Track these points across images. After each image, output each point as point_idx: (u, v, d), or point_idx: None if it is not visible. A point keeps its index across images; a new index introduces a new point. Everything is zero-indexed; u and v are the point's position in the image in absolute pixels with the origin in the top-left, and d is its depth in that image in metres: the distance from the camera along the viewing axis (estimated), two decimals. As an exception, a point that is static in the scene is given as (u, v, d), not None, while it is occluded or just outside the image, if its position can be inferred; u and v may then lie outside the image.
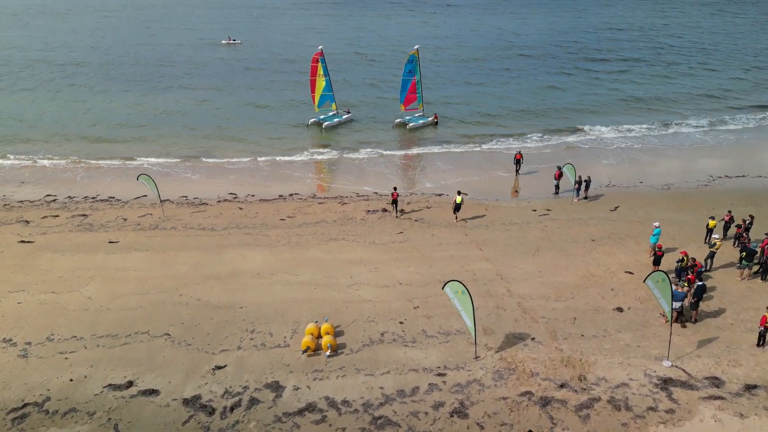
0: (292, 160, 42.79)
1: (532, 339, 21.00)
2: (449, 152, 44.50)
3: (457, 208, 31.16)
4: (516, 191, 37.04)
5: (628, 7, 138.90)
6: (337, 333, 21.24)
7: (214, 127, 50.02)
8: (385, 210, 33.55)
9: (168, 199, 35.18)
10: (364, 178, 39.49)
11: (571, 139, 46.95)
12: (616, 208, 33.68)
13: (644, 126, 49.87)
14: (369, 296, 23.96)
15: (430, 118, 51.96)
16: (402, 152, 44.85)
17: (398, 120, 51.64)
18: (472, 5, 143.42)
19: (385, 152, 44.77)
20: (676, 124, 50.69)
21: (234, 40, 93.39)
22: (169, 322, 22.16)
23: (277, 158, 43.08)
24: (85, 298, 23.85)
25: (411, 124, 50.57)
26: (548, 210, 33.58)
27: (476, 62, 76.06)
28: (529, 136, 47.68)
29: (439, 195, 36.29)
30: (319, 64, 50.64)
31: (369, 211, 33.58)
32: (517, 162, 38.08)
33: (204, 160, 42.93)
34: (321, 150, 45.24)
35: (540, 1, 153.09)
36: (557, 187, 36.02)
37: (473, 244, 29.11)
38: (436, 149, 45.34)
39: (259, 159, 42.95)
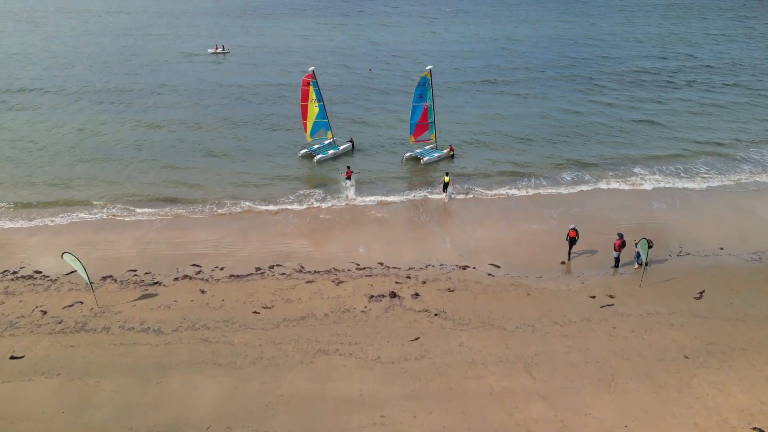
0: (275, 209, 34.37)
1: None
2: (468, 200, 36.03)
3: (445, 187, 34.89)
4: (563, 262, 28.45)
5: (642, 11, 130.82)
6: None
7: (182, 162, 41.51)
8: (394, 294, 25.20)
9: (110, 276, 26.91)
10: (367, 238, 31.11)
11: (614, 182, 38.35)
12: (701, 294, 25.28)
13: (703, 165, 41.15)
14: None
15: (444, 151, 43.62)
16: (411, 197, 36.30)
17: (408, 154, 43.28)
18: (474, 12, 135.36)
19: (390, 198, 36.34)
20: (749, 165, 41.56)
21: (223, 49, 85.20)
22: None
23: (258, 207, 34.66)
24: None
25: (425, 159, 42.17)
26: (611, 297, 25.19)
27: (483, 77, 67.55)
28: (560, 175, 39.17)
29: (464, 268, 27.85)
30: (311, 88, 42.37)
31: (372, 297, 25.21)
32: (572, 241, 28.11)
33: (167, 209, 34.51)
34: (312, 191, 36.92)
35: (547, 8, 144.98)
36: (617, 260, 27.65)
37: (519, 363, 20.73)
38: (448, 192, 36.91)
39: (235, 208, 34.53)
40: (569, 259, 28.02)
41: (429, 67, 41.73)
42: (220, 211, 34.13)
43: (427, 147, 44.28)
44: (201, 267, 28.06)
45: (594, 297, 25.19)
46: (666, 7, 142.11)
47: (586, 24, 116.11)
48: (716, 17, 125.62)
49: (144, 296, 25.30)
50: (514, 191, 36.94)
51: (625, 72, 68.66)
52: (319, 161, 42.50)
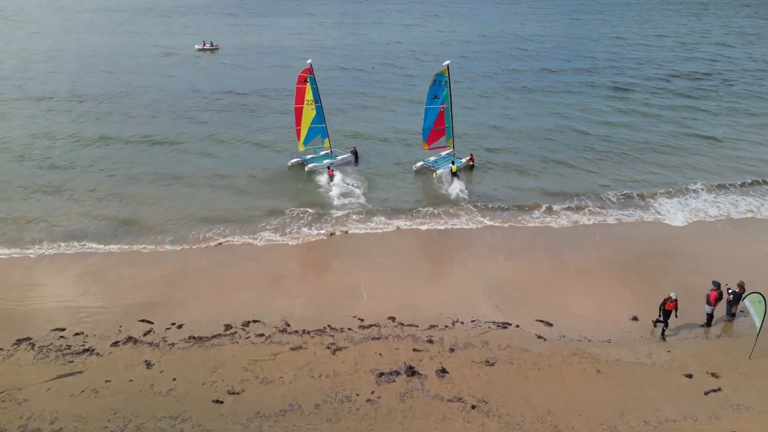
0: (254, 241, 27.22)
1: None
2: (499, 227, 28.88)
3: (455, 175, 32.48)
4: (654, 324, 21.16)
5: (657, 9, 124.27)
6: None
7: (144, 181, 34.08)
8: (412, 371, 18.16)
9: (27, 339, 19.89)
10: (372, 279, 24.11)
11: (676, 207, 31.09)
12: (841, 372, 18.18)
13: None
14: None
15: (464, 160, 36.63)
16: (425, 226, 29.11)
17: (420, 163, 36.29)
18: (481, 3, 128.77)
19: (398, 221, 29.31)
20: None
21: (211, 45, 78.30)
22: None
23: (232, 238, 27.49)
24: None
25: (440, 171, 35.11)
26: (715, 376, 18.13)
27: (496, 79, 60.65)
28: (606, 198, 31.71)
29: (504, 326, 20.81)
30: (308, 86, 35.35)
31: (382, 374, 18.16)
32: (667, 314, 19.85)
33: (119, 241, 27.38)
34: (301, 213, 29.93)
35: (555, 3, 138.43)
36: (710, 317, 20.59)
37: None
38: (473, 216, 29.81)
39: (204, 240, 27.41)
40: (663, 338, 20.41)
41: (446, 62, 34.64)
42: (184, 245, 26.84)
43: (443, 154, 37.29)
44: (153, 324, 21.00)
45: (691, 376, 18.11)
46: (680, 4, 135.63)
47: (599, 21, 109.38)
48: (734, 14, 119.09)
49: (66, 374, 18.21)
50: (554, 218, 29.72)
51: (655, 75, 61.50)
52: (311, 171, 35.51)
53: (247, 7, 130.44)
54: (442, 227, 28.78)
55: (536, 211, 30.26)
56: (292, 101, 35.62)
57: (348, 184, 33.65)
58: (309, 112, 36.32)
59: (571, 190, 32.59)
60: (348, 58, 69.81)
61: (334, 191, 32.80)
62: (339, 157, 37.53)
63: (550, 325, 20.78)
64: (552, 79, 58.94)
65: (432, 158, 36.81)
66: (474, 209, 30.31)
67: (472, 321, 21.06)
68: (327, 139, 38.11)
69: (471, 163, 36.54)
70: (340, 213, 29.84)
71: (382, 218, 29.42)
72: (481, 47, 77.72)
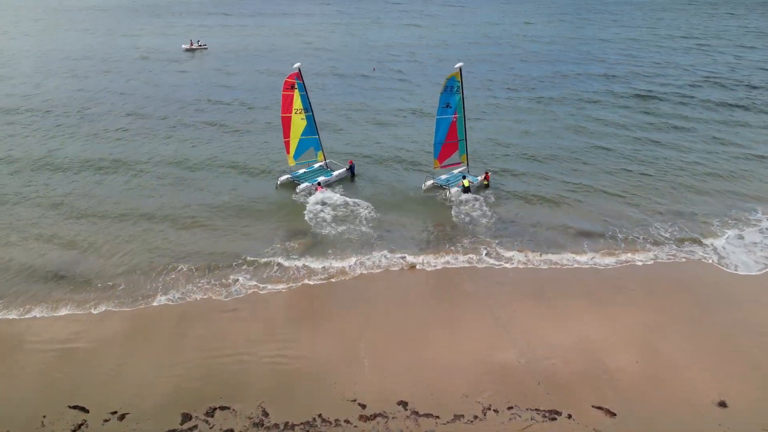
0: (227, 290, 21.80)
1: None
2: (523, 269, 23.54)
3: (466, 190, 29.33)
4: None
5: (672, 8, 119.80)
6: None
7: (91, 217, 27.52)
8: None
9: None
10: (373, 338, 19.04)
11: (727, 242, 25.78)
12: None
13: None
14: None
15: (479, 178, 31.55)
16: (439, 262, 23.86)
17: (431, 182, 31.28)
18: (484, 1, 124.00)
19: (402, 258, 24.08)
20: None
21: (198, 45, 73.23)
22: None
23: (199, 287, 21.91)
24: None
25: (453, 190, 30.11)
26: None
27: (506, 85, 55.70)
28: (654, 231, 26.27)
29: (552, 416, 15.72)
30: (296, 93, 30.28)
31: (393, 501, 12.93)
32: None
33: (45, 297, 21.95)
34: (288, 249, 24.53)
35: (559, 3, 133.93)
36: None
37: None
38: (496, 251, 24.64)
39: (160, 293, 21.81)
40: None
41: (458, 65, 29.56)
42: (138, 303, 21.13)
43: (455, 171, 32.27)
44: (87, 413, 15.82)
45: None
46: (690, 4, 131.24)
47: (608, 21, 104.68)
48: (747, 13, 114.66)
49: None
50: (594, 256, 24.25)
51: (677, 81, 56.49)
52: (303, 192, 30.41)
53: (240, 6, 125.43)
54: (460, 264, 23.62)
55: (571, 247, 24.97)
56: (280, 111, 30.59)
57: (344, 207, 28.55)
58: (298, 122, 31.28)
59: (609, 221, 27.29)
60: (345, 62, 64.68)
61: (328, 215, 27.70)
62: (335, 173, 32.54)
63: (613, 414, 15.69)
64: (566, 86, 53.73)
65: (444, 176, 31.77)
66: (495, 242, 25.14)
67: (510, 408, 15.94)
68: (321, 151, 33.13)
69: (486, 182, 31.44)
70: (334, 248, 24.60)
71: (386, 252, 24.24)
72: (486, 49, 72.78)
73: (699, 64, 63.78)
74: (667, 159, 35.53)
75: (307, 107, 31.24)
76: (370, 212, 28.02)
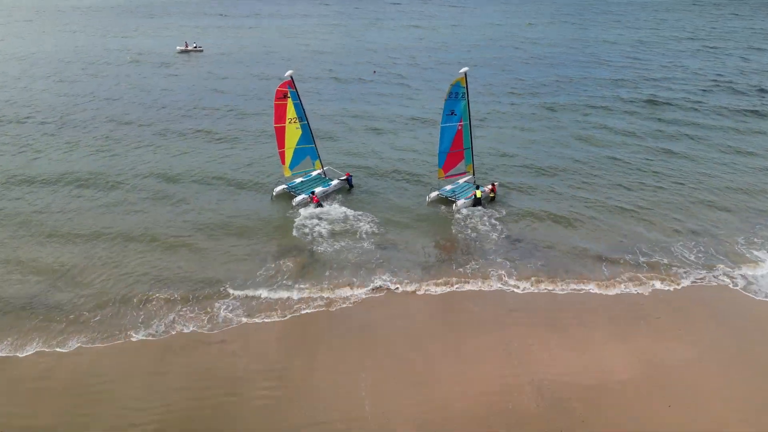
0: (211, 322, 19.87)
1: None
2: (541, 295, 21.56)
3: (477, 202, 27.70)
4: None
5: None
6: None
7: (63, 235, 25.32)
8: None
9: None
10: (377, 380, 17.13)
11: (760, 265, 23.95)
12: None
13: None
14: None
15: (486, 189, 29.67)
16: (446, 286, 21.90)
17: (435, 193, 29.40)
18: (485, 2, 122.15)
19: (405, 281, 22.10)
20: None
21: (194, 47, 71.34)
22: None
23: (179, 317, 19.98)
24: None
25: (460, 202, 28.30)
26: None
27: (502, 87, 53.85)
28: (670, 249, 24.38)
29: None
30: (289, 102, 28.49)
31: None
32: None
33: None
34: (278, 274, 22.49)
35: (559, 3, 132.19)
36: None
37: None
38: (509, 274, 22.73)
39: (135, 329, 19.84)
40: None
41: (463, 69, 27.70)
42: (112, 339, 19.01)
43: (461, 181, 30.50)
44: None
45: None
46: (694, 4, 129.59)
47: (612, 22, 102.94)
48: (753, 14, 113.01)
49: None
50: (616, 281, 22.13)
51: (687, 87, 54.76)
52: (299, 205, 28.57)
53: (237, 7, 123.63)
54: (468, 288, 21.70)
55: (588, 270, 22.93)
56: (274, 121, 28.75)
57: (342, 222, 26.72)
58: (293, 132, 29.44)
59: (626, 241, 25.15)
60: (343, 65, 62.79)
61: (325, 230, 25.86)
62: (333, 182, 30.72)
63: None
64: (571, 91, 51.83)
65: (449, 187, 29.95)
66: (505, 263, 23.19)
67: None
68: (318, 160, 31.29)
69: (492, 194, 29.58)
70: (331, 269, 22.68)
71: (387, 275, 22.30)
72: (486, 52, 70.93)
73: (707, 67, 62.08)
74: (682, 171, 33.48)
75: (302, 116, 29.41)
76: (370, 227, 26.18)
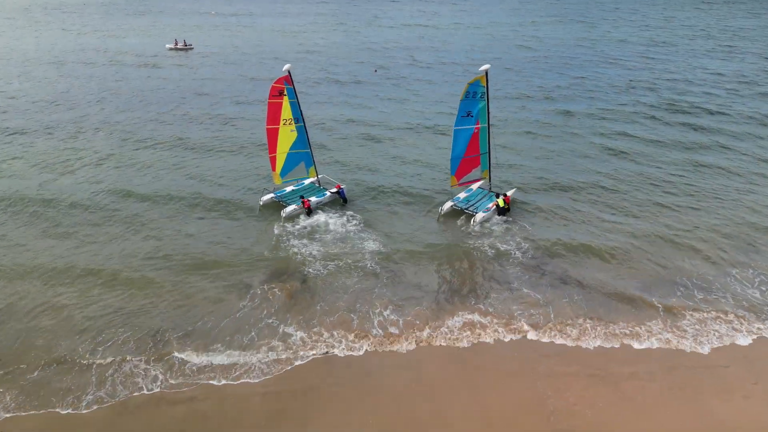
0: (186, 376, 16.04)
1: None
2: (571, 340, 17.64)
3: (502, 212, 24.57)
4: None
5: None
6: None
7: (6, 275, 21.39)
8: None
9: None
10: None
11: None
12: None
13: None
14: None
15: (500, 198, 25.85)
16: (459, 328, 17.99)
17: (450, 204, 25.76)
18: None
19: (415, 327, 18.31)
20: None
21: (184, 45, 67.69)
22: None
23: (150, 366, 16.31)
24: None
25: (479, 216, 24.58)
26: None
27: (512, 90, 50.08)
28: (737, 290, 20.09)
29: None
30: (285, 100, 24.95)
31: None
32: None
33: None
34: (268, 303, 18.96)
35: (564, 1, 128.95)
36: None
37: None
38: (534, 312, 19.05)
39: (57, 397, 16.12)
40: None
41: (484, 67, 24.06)
42: (51, 407, 15.30)
43: (474, 187, 26.90)
44: None
45: None
46: (703, 2, 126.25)
47: (620, 20, 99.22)
48: (766, 11, 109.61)
49: None
50: (673, 326, 18.15)
51: (710, 90, 50.81)
52: (290, 217, 24.96)
53: (231, 4, 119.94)
54: (493, 329, 17.89)
55: (637, 310, 18.89)
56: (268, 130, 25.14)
57: (338, 240, 23.10)
58: (287, 135, 25.84)
59: (674, 275, 20.93)
60: (340, 66, 58.90)
61: (318, 251, 22.21)
62: (328, 193, 27.05)
63: None
64: (586, 95, 47.41)
65: (462, 195, 26.32)
66: (535, 298, 19.39)
67: None
68: (313, 167, 27.64)
69: (506, 206, 25.82)
70: (323, 305, 18.92)
71: (392, 313, 18.39)
72: (490, 53, 66.71)
73: (728, 67, 58.09)
74: (717, 185, 29.09)
75: (298, 116, 25.81)
76: (371, 247, 22.56)
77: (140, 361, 16.06)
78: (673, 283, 20.39)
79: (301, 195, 26.22)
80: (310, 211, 25.22)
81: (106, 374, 15.61)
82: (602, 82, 51.49)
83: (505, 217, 24.88)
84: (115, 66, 57.34)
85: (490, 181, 26.93)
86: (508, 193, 26.18)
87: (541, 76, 53.95)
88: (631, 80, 52.28)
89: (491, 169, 26.61)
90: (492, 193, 26.46)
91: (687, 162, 32.43)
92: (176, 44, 67.82)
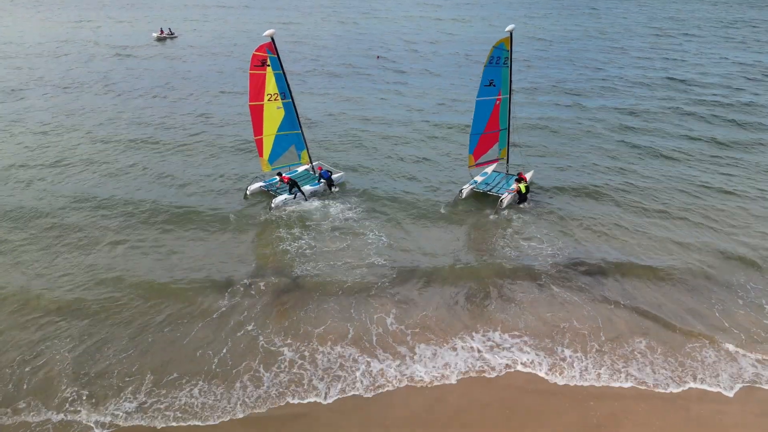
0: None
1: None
2: (651, 396, 13.92)
3: (522, 198, 20.98)
4: None
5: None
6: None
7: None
8: None
9: None
10: None
11: None
12: None
13: None
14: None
15: (514, 186, 21.97)
16: (487, 356, 14.12)
17: (469, 187, 22.18)
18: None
19: (440, 356, 14.72)
20: None
21: (169, 33, 63.91)
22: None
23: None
24: None
25: (507, 196, 21.25)
26: None
27: (522, 88, 46.04)
28: None
29: None
30: (268, 71, 21.22)
31: None
32: None
33: None
34: (249, 319, 15.21)
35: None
36: None
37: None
38: (575, 326, 15.41)
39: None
40: None
41: (509, 27, 20.44)
42: None
43: (489, 170, 23.38)
44: None
45: None
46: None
47: (624, 10, 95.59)
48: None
49: None
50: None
51: (732, 84, 46.37)
52: (278, 208, 21.23)
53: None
54: (530, 359, 13.93)
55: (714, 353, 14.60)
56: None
57: (336, 233, 19.37)
58: (273, 113, 22.11)
59: (742, 293, 16.73)
60: (336, 57, 54.85)
61: (311, 249, 18.55)
62: (323, 182, 23.31)
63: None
64: (604, 87, 42.40)
65: (479, 178, 22.65)
66: (592, 310, 15.49)
67: None
68: (305, 150, 23.91)
69: (525, 186, 21.67)
70: (316, 320, 15.16)
71: (403, 349, 14.27)
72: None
73: (746, 62, 52.15)
74: None
75: (285, 91, 22.09)
76: (374, 241, 18.82)
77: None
78: (741, 296, 16.48)
79: (278, 173, 22.79)
80: (293, 190, 21.80)
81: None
82: (617, 73, 47.29)
83: (525, 205, 21.14)
84: (95, 56, 53.20)
85: (507, 161, 23.17)
86: (527, 175, 22.49)
87: (554, 69, 48.60)
88: (646, 76, 46.32)
89: (509, 147, 22.88)
90: (511, 175, 22.86)
91: (729, 162, 27.58)
92: (162, 33, 64.13)
